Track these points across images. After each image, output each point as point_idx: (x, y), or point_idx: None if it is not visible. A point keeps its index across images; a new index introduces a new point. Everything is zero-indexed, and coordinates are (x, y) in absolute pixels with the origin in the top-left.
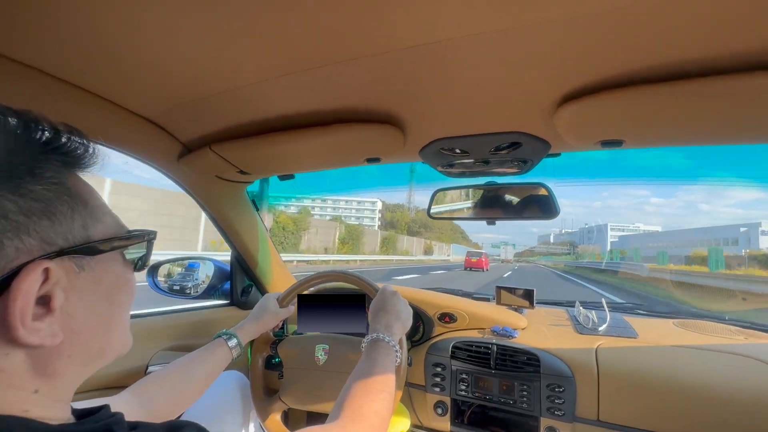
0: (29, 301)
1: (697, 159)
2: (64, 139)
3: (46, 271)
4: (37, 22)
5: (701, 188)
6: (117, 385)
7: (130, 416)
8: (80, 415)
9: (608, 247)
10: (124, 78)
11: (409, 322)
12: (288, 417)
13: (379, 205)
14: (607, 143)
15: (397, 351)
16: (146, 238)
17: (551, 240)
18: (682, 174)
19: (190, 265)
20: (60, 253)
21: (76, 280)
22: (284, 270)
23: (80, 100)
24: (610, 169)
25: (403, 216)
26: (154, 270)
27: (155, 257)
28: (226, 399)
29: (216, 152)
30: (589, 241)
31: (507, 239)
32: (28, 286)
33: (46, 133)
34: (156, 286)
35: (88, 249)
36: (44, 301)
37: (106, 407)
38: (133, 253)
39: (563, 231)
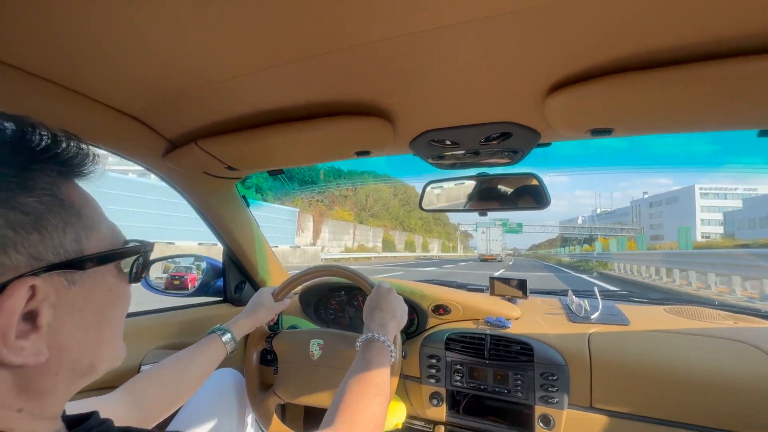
0: (13, 320)
1: (720, 144)
2: (62, 147)
3: (33, 287)
4: (11, 17)
5: (726, 175)
6: (109, 385)
7: (122, 415)
8: (70, 421)
9: (698, 225)
10: (103, 73)
11: (404, 320)
12: (285, 412)
13: None
14: (596, 132)
15: (392, 350)
16: (142, 250)
17: (579, 222)
18: (704, 161)
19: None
20: (49, 269)
21: (66, 296)
22: (278, 265)
23: (58, 97)
24: (629, 158)
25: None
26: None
27: None
28: (221, 396)
29: (202, 148)
30: (652, 219)
31: (506, 219)
32: (12, 305)
33: (44, 141)
34: (148, 284)
35: (79, 263)
36: (30, 318)
37: (95, 414)
38: (129, 264)
39: (598, 210)
